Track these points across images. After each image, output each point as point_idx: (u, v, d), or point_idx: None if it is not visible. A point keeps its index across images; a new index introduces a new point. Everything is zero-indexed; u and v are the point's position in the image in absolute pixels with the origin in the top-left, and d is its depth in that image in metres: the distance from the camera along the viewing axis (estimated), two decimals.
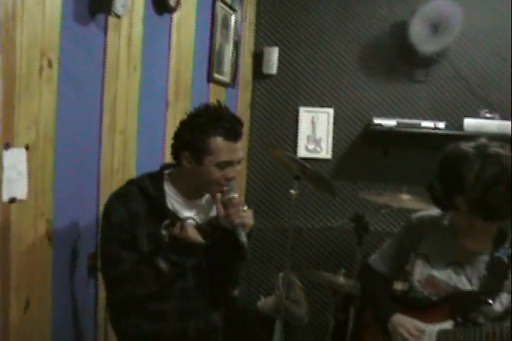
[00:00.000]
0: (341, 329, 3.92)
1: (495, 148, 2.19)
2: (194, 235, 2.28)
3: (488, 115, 4.61)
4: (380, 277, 2.60)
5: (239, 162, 2.32)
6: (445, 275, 2.36)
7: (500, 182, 2.12)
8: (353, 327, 2.68)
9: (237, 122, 2.27)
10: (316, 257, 4.85)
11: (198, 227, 2.32)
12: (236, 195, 2.29)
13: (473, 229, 2.30)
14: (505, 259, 2.31)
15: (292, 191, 3.80)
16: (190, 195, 2.38)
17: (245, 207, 2.28)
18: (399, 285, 2.67)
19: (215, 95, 3.93)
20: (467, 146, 2.22)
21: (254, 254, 4.76)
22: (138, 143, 2.93)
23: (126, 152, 2.82)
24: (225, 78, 4.11)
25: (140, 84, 2.87)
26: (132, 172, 2.87)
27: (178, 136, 2.30)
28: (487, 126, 4.53)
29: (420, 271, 2.41)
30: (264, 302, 4.53)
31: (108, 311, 2.48)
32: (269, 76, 4.80)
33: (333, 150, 4.80)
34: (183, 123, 2.30)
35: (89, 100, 2.47)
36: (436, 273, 2.37)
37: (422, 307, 2.39)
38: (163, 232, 2.29)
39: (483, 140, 2.26)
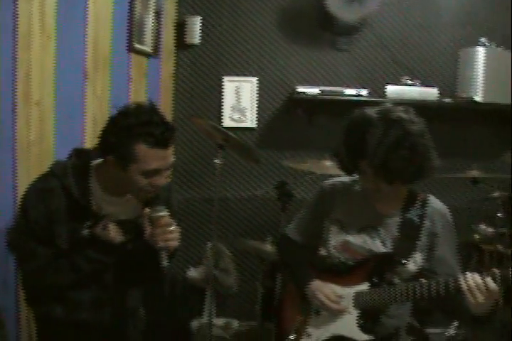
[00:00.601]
0: (269, 296, 3.96)
1: (398, 112, 2.23)
2: (116, 235, 2.25)
3: (409, 82, 4.69)
4: (296, 245, 2.63)
5: (168, 168, 2.24)
6: (359, 240, 2.40)
7: (402, 145, 2.16)
8: (278, 295, 2.70)
9: (167, 128, 2.16)
10: (244, 226, 4.88)
11: (122, 223, 2.30)
12: (164, 214, 2.22)
13: (383, 193, 2.33)
14: (416, 220, 2.37)
15: (216, 160, 3.79)
16: (117, 192, 2.32)
17: (172, 227, 2.22)
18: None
19: (137, 66, 3.88)
20: (371, 111, 2.25)
21: (181, 225, 4.67)
22: (55, 116, 2.85)
23: (43, 124, 2.75)
24: (147, 48, 4.04)
25: (55, 54, 2.79)
26: (50, 146, 2.81)
27: (104, 134, 2.18)
28: (409, 92, 4.61)
29: (335, 236, 2.45)
30: (194, 273, 4.55)
31: (24, 294, 2.43)
32: (192, 46, 4.74)
33: (258, 119, 4.81)
34: (111, 119, 2.18)
35: (1, 70, 2.39)
36: (350, 238, 2.41)
37: (339, 272, 2.43)
38: (85, 232, 2.23)
39: (387, 105, 2.30)
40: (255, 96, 4.78)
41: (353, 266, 2.40)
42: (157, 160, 2.14)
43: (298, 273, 2.56)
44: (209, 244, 4.32)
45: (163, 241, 2.19)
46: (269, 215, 4.77)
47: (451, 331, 4.47)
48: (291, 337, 2.44)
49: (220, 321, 4.60)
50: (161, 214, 2.21)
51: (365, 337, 2.32)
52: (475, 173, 4.11)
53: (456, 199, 4.90)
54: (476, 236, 4.38)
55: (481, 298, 2.02)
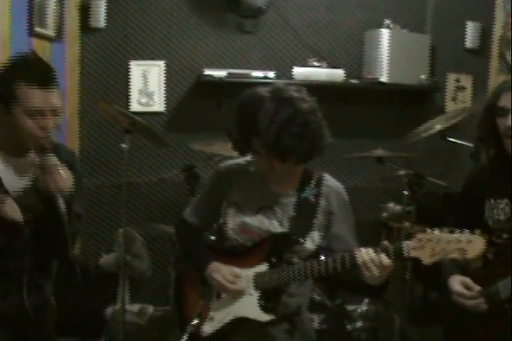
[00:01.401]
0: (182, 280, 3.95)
1: (289, 91, 2.24)
2: (14, 213, 2.19)
3: (316, 64, 4.74)
4: (195, 229, 2.61)
5: (54, 112, 2.22)
6: (257, 221, 2.40)
7: (293, 123, 2.17)
8: (176, 280, 2.68)
9: (47, 68, 2.20)
10: (154, 210, 4.84)
11: (22, 199, 2.24)
12: (54, 159, 2.20)
13: (277, 172, 2.34)
14: (312, 199, 2.39)
15: (123, 145, 3.75)
16: (12, 151, 2.27)
17: (62, 170, 2.19)
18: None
19: (39, 50, 3.77)
20: (263, 91, 2.26)
21: (91, 211, 4.67)
22: None
23: None
24: (49, 32, 3.94)
25: None
26: None
27: None
28: (316, 74, 4.66)
29: (233, 219, 2.44)
30: (106, 259, 4.50)
31: None
32: (97, 30, 4.63)
33: (166, 103, 4.76)
34: None
35: None
36: (248, 219, 2.41)
37: (238, 254, 2.42)
38: None
39: (279, 84, 2.31)
40: (163, 80, 4.73)
41: (251, 247, 2.40)
42: (38, 99, 2.16)
43: (196, 257, 2.55)
44: (120, 230, 4.27)
45: (54, 184, 2.16)
46: (179, 199, 4.74)
47: (363, 307, 4.59)
48: (194, 322, 2.42)
49: (134, 307, 4.56)
50: (50, 158, 2.20)
51: (267, 317, 2.33)
52: (380, 152, 4.19)
53: (364, 178, 5.00)
54: (385, 215, 4.49)
55: (376, 271, 2.06)
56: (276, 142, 2.17)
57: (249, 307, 2.36)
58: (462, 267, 2.48)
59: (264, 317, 2.33)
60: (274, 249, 2.36)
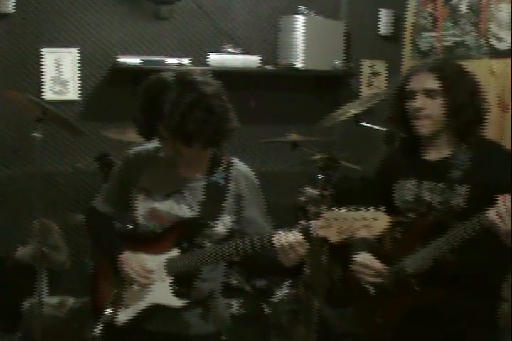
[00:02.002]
0: (95, 269, 3.91)
1: (193, 75, 2.24)
2: None
3: (231, 50, 4.74)
4: (105, 217, 2.58)
5: None
6: (166, 206, 2.39)
7: (197, 107, 2.17)
8: (92, 269, 2.64)
9: None
10: (71, 200, 4.76)
11: None
12: None
13: (185, 157, 2.34)
14: (221, 183, 2.40)
15: (36, 134, 3.68)
16: None
17: None
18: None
19: None
20: (167, 75, 2.25)
21: (5, 202, 4.57)
22: None
23: None
24: None
25: None
26: None
27: None
28: (231, 60, 4.67)
29: (142, 205, 2.42)
30: (22, 251, 4.40)
31: None
32: (6, 15, 4.49)
33: (81, 91, 4.68)
34: None
35: None
36: (157, 205, 2.40)
37: (149, 241, 2.42)
38: None
39: (184, 68, 2.31)
40: (77, 67, 4.64)
41: (162, 233, 2.40)
42: None
43: (107, 246, 2.53)
44: (36, 221, 4.18)
45: None
46: (96, 188, 4.65)
47: (284, 291, 4.63)
48: (108, 311, 2.40)
49: (53, 299, 4.48)
50: None
51: (180, 302, 2.33)
52: (295, 137, 4.23)
53: (282, 163, 5.04)
54: (302, 199, 4.53)
55: (289, 252, 2.09)
56: (180, 126, 2.17)
57: (162, 293, 2.35)
58: (370, 246, 2.55)
59: (177, 302, 2.33)
60: (185, 233, 2.36)
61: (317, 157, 4.22)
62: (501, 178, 2.29)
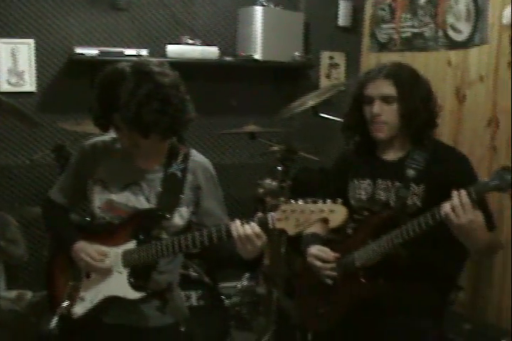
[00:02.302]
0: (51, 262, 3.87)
1: (150, 65, 2.23)
2: None
3: (190, 41, 4.72)
4: (61, 208, 2.55)
5: None
6: (123, 198, 2.38)
7: (154, 98, 2.17)
8: (48, 262, 2.62)
9: None
10: (28, 192, 4.69)
11: None
12: None
13: (142, 148, 2.33)
14: (179, 174, 2.39)
15: None
16: None
17: None
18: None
19: None
20: (124, 65, 2.24)
21: None
22: None
23: None
24: None
25: None
26: None
27: None
28: (189, 52, 4.64)
29: (99, 197, 2.40)
30: None
31: None
32: None
33: (38, 83, 4.59)
34: None
35: None
36: (114, 196, 2.38)
37: (106, 233, 2.40)
38: None
39: (141, 59, 2.31)
40: (33, 58, 4.56)
41: (118, 225, 2.38)
42: None
43: (62, 237, 2.50)
44: None
45: None
46: (53, 180, 4.60)
47: (244, 283, 4.65)
48: (65, 303, 2.38)
49: (11, 293, 4.43)
50: None
51: (138, 294, 2.32)
52: (252, 128, 4.22)
53: (240, 155, 5.04)
54: (261, 191, 4.54)
55: (247, 243, 2.09)
56: (136, 117, 2.16)
57: (119, 285, 2.34)
58: (321, 241, 2.59)
59: (134, 294, 2.32)
60: (142, 225, 2.35)
61: (276, 148, 4.22)
62: (455, 179, 2.34)
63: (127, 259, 2.33)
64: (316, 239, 2.60)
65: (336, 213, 1.99)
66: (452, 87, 3.86)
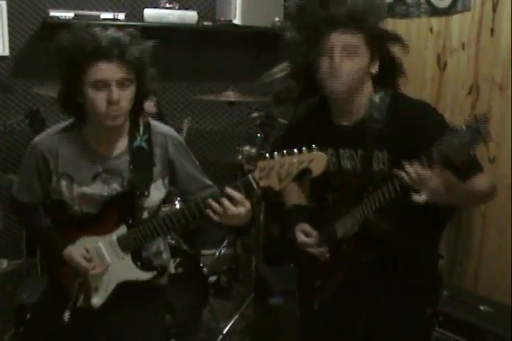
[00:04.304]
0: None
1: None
2: None
3: (168, 5, 4.63)
4: (30, 207, 2.46)
5: None
6: (96, 189, 2.31)
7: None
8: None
9: None
10: (2, 159, 4.64)
11: None
12: None
13: (101, 133, 2.27)
14: (145, 146, 2.32)
15: None
16: None
17: None
18: None
19: None
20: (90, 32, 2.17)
21: None
22: None
23: None
24: None
25: None
26: None
27: None
28: (167, 16, 4.56)
29: (69, 191, 2.32)
30: None
31: None
32: None
33: (11, 47, 4.49)
34: None
35: None
36: (85, 189, 2.31)
37: (91, 223, 2.33)
38: None
39: (109, 28, 2.23)
40: (5, 21, 4.44)
41: (101, 213, 2.32)
42: None
43: (48, 242, 2.44)
44: None
45: None
46: (27, 146, 4.54)
47: (222, 251, 4.65)
48: (81, 299, 2.32)
49: None
50: None
51: (149, 274, 2.31)
52: (230, 95, 4.17)
53: (219, 122, 4.99)
54: (240, 157, 4.50)
55: (233, 209, 2.05)
56: None
57: (128, 270, 2.31)
58: (304, 212, 2.55)
59: (146, 275, 2.31)
60: (124, 209, 2.30)
61: (255, 115, 4.18)
62: (418, 138, 2.15)
63: (124, 244, 2.28)
64: (301, 211, 2.56)
65: (316, 161, 1.95)
66: (434, 54, 3.81)
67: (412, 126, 2.21)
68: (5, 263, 4.45)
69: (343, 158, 2.36)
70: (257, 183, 2.02)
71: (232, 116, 4.80)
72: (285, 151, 1.96)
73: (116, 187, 2.31)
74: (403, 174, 2.01)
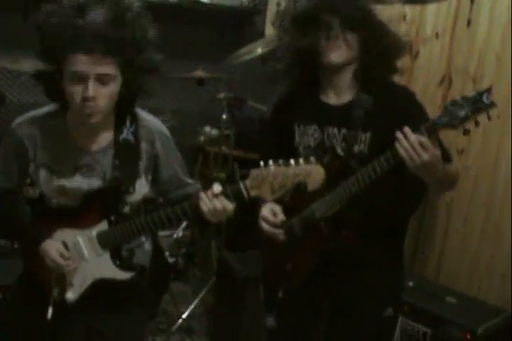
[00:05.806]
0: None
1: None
2: None
3: None
4: (9, 195, 2.31)
5: None
6: (76, 182, 2.18)
7: None
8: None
9: None
10: None
11: None
12: None
13: (83, 125, 2.12)
14: (132, 139, 2.20)
15: None
16: None
17: None
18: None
19: None
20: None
21: None
22: None
23: None
24: None
25: None
26: None
27: None
28: None
29: (47, 183, 2.19)
30: None
31: None
32: None
33: None
34: None
35: None
36: (65, 182, 2.18)
37: (72, 215, 2.22)
38: None
39: None
40: None
41: (82, 207, 2.20)
42: None
43: (23, 234, 2.29)
44: None
45: None
46: None
47: (180, 233, 4.57)
48: (55, 292, 2.22)
49: None
50: None
51: (127, 274, 2.21)
52: (200, 74, 4.09)
53: (182, 101, 4.90)
54: (201, 139, 4.43)
55: (217, 215, 2.02)
56: None
57: (105, 267, 2.21)
58: None
59: (123, 275, 2.21)
60: (107, 204, 2.19)
61: (222, 95, 4.10)
62: (403, 123, 2.09)
63: (104, 241, 2.18)
64: None
65: (313, 175, 1.87)
66: (406, 42, 3.79)
67: (397, 109, 2.25)
68: None
69: (326, 135, 2.34)
70: (248, 192, 1.95)
71: (194, 96, 4.71)
72: (281, 161, 1.89)
73: (97, 181, 2.19)
74: (401, 142, 1.97)
